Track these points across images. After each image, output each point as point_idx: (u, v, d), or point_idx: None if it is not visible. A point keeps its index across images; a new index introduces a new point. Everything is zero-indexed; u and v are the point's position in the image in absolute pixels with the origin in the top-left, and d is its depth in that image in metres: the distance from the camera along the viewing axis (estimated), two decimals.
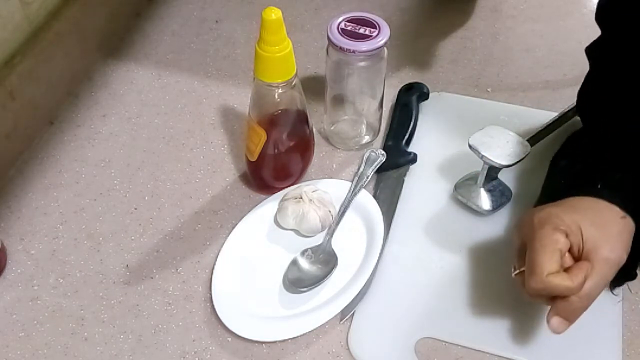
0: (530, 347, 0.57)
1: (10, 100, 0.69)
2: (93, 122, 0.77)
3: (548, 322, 0.51)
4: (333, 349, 0.58)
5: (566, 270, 0.51)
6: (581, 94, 0.65)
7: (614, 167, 0.57)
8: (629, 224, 0.53)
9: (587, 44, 0.63)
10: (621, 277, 0.56)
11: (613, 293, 0.59)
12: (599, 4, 0.61)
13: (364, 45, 0.63)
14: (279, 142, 0.65)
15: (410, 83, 0.79)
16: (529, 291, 0.51)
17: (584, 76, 0.64)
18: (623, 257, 0.52)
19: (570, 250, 0.52)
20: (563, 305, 0.51)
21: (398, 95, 0.78)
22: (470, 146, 0.63)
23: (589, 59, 0.63)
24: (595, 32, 0.62)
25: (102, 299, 0.61)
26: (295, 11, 0.91)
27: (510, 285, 0.58)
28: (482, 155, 0.63)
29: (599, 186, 0.54)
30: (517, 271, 0.54)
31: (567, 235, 0.51)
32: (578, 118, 0.68)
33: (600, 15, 0.61)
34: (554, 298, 0.51)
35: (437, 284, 0.62)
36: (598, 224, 0.52)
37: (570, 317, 0.51)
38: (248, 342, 0.58)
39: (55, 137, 0.75)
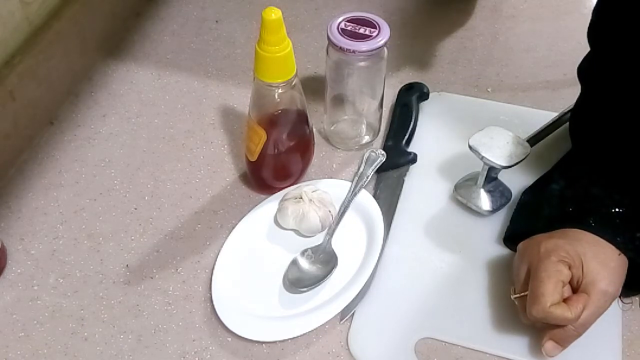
0: (530, 347, 0.57)
1: (10, 100, 0.69)
2: (93, 122, 0.77)
3: (542, 345, 0.55)
4: (333, 349, 0.58)
5: (565, 300, 0.53)
6: (573, 118, 0.66)
7: (604, 198, 0.58)
8: (623, 259, 0.55)
9: (587, 44, 0.63)
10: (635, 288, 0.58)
11: (623, 301, 0.60)
12: (590, 22, 0.61)
13: (364, 45, 0.63)
14: (279, 142, 0.65)
15: (410, 83, 0.79)
16: (530, 317, 0.54)
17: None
18: (619, 291, 0.55)
19: (570, 281, 0.54)
20: (559, 332, 0.54)
21: (398, 95, 0.78)
22: (470, 147, 0.63)
23: (580, 81, 0.64)
24: None
25: (102, 299, 0.61)
26: (295, 11, 0.91)
27: (510, 285, 0.58)
28: (482, 156, 0.63)
29: (591, 222, 0.56)
30: (518, 295, 0.56)
31: (570, 267, 0.54)
32: None
33: (592, 34, 0.61)
34: (551, 324, 0.54)
35: (437, 284, 0.62)
36: (599, 258, 0.54)
37: (564, 343, 0.54)
38: (248, 342, 0.58)
39: (55, 137, 0.75)
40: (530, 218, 0.63)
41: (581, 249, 0.54)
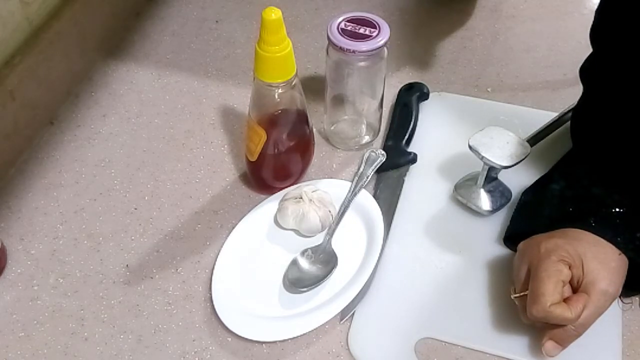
0: (530, 347, 0.57)
1: (10, 100, 0.69)
2: (93, 122, 0.77)
3: (542, 345, 0.55)
4: (333, 349, 0.58)
5: (565, 300, 0.53)
6: (575, 118, 0.66)
7: (605, 198, 0.58)
8: (623, 259, 0.55)
9: (588, 43, 0.63)
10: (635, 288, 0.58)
11: (623, 301, 0.60)
12: (593, 23, 0.61)
13: (364, 45, 0.63)
14: (279, 142, 0.65)
15: (410, 83, 0.79)
16: (530, 317, 0.54)
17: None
18: (619, 291, 0.54)
19: (570, 281, 0.54)
20: (559, 332, 0.54)
21: (398, 95, 0.78)
22: (470, 147, 0.63)
23: (582, 81, 0.64)
24: None
25: (102, 299, 0.61)
26: (295, 11, 0.91)
27: (510, 285, 0.58)
28: (482, 157, 0.63)
29: (591, 222, 0.56)
30: (518, 295, 0.56)
31: (570, 267, 0.54)
32: None
33: (594, 35, 0.61)
34: (551, 324, 0.54)
35: (437, 284, 0.62)
36: (599, 258, 0.54)
37: (564, 343, 0.54)
38: (248, 342, 0.58)
39: (55, 137, 0.75)
40: (531, 218, 0.63)
41: (581, 248, 0.54)
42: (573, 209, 0.59)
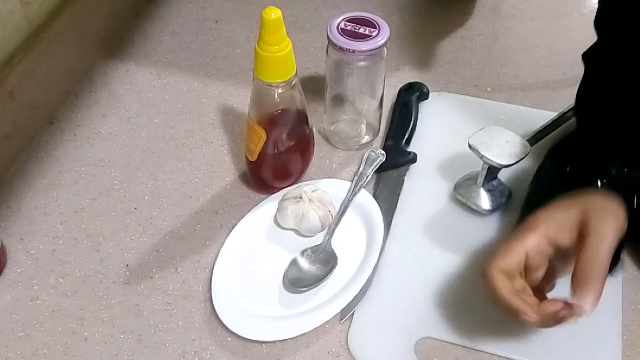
0: (530, 347, 0.57)
1: (10, 100, 0.69)
2: (93, 122, 0.77)
3: (574, 300, 0.49)
4: (333, 349, 0.58)
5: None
6: (579, 97, 0.66)
7: (607, 172, 0.58)
8: (620, 203, 0.52)
9: (587, 43, 0.63)
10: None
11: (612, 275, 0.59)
12: (597, 11, 0.61)
13: (364, 45, 0.63)
14: (279, 142, 0.65)
15: (410, 83, 0.79)
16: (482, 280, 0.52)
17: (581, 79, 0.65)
18: (622, 219, 0.51)
19: (560, 243, 0.51)
20: (578, 271, 0.49)
21: (398, 95, 0.78)
22: (470, 146, 0.63)
23: (585, 64, 0.64)
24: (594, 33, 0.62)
25: (102, 299, 0.61)
26: (295, 11, 0.91)
27: None
28: (482, 156, 0.63)
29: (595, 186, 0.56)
30: None
31: (546, 238, 0.51)
32: None
33: (599, 23, 0.61)
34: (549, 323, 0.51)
35: (437, 284, 0.62)
36: (595, 200, 0.52)
37: (591, 292, 0.48)
38: (248, 342, 0.58)
39: (55, 137, 0.75)
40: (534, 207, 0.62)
41: (567, 201, 0.53)
42: (573, 183, 0.58)
